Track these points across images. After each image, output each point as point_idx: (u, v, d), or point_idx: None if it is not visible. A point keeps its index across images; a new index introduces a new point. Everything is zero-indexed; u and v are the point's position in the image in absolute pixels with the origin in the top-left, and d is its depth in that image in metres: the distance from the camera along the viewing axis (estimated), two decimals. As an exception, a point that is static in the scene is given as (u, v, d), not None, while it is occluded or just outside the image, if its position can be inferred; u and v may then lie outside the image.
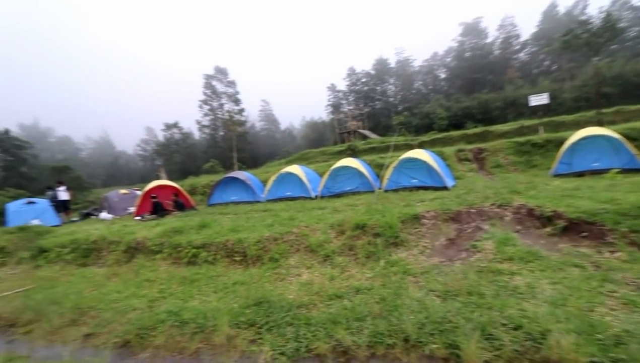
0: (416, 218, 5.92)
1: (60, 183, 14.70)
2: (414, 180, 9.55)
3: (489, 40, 51.28)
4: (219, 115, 56.29)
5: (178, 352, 3.25)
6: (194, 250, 6.22)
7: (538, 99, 19.90)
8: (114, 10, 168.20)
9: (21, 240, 9.01)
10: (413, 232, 5.64)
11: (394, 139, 18.18)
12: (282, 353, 2.97)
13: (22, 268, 7.84)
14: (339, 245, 5.50)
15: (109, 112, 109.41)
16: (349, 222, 5.93)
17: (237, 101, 57.16)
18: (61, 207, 13.82)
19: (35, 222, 11.73)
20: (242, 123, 53.99)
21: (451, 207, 6.25)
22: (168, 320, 3.77)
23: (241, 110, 56.59)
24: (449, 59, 55.14)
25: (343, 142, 34.34)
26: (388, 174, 10.01)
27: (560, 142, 11.85)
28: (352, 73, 58.38)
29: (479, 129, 24.45)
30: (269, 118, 74.79)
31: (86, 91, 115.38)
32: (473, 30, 51.30)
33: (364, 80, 57.80)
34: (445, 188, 9.01)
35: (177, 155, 56.93)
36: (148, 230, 7.68)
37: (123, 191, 15.50)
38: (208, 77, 56.44)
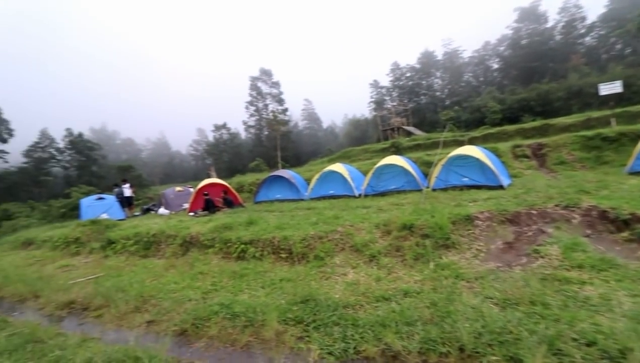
0: (468, 219, 5.58)
1: (125, 181, 16.20)
2: (465, 179, 9.02)
3: (549, 24, 46.73)
4: (263, 116, 58.19)
5: (230, 343, 3.38)
6: (243, 246, 6.47)
7: (610, 88, 17.66)
8: (167, 26, 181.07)
9: (93, 232, 10.08)
10: (465, 234, 5.32)
11: (443, 135, 17.31)
12: (330, 353, 2.96)
13: (93, 257, 8.76)
14: (385, 245, 5.36)
15: (165, 116, 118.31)
16: (395, 222, 5.76)
17: (281, 101, 58.68)
18: (126, 202, 15.22)
19: (104, 216, 13.05)
20: (285, 122, 55.25)
21: (508, 207, 5.79)
22: (220, 312, 3.95)
23: (285, 110, 57.99)
24: (502, 48, 51.27)
25: (386, 139, 33.63)
26: (436, 172, 9.57)
27: (637, 136, 10.46)
28: (395, 68, 56.89)
29: (538, 123, 22.39)
30: (312, 117, 75.69)
31: (145, 99, 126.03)
32: (530, 15, 47.06)
33: (408, 75, 56.04)
34: (500, 187, 8.39)
35: (225, 155, 59.92)
36: (201, 225, 8.15)
37: (178, 188, 16.63)
38: (254, 79, 58.60)
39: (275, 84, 59.02)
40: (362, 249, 5.36)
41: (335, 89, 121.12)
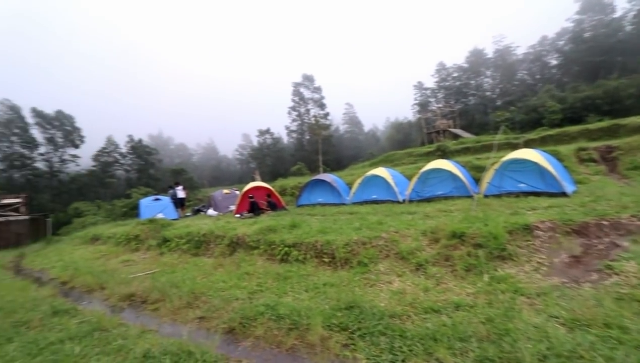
0: (527, 229, 5.13)
1: (178, 183, 17.35)
2: (522, 185, 8.35)
3: (616, 14, 41.96)
4: (305, 120, 59.20)
5: (276, 345, 3.42)
6: (286, 249, 6.57)
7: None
8: (214, 38, 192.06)
9: (150, 230, 10.88)
10: (523, 245, 4.89)
11: (496, 138, 16.25)
12: (376, 364, 2.86)
13: (150, 254, 9.45)
14: (432, 254, 5.12)
15: (214, 122, 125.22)
16: (443, 230, 5.48)
17: (322, 106, 59.36)
18: (179, 203, 16.27)
19: (160, 215, 14.05)
20: (327, 127, 55.72)
21: (574, 217, 5.24)
22: (266, 313, 4.03)
23: (326, 115, 58.55)
24: (562, 42, 46.96)
25: (431, 142, 32.41)
26: (488, 177, 8.99)
27: None
28: (441, 68, 54.84)
29: (606, 123, 20.09)
30: (353, 120, 75.48)
31: (197, 107, 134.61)
32: (595, 5, 42.63)
33: (455, 75, 53.69)
34: (563, 194, 7.64)
35: (268, 159, 61.84)
36: (247, 227, 8.44)
37: (225, 191, 17.44)
38: (296, 85, 59.97)
39: (317, 89, 59.86)
40: (408, 257, 5.17)
41: (377, 92, 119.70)
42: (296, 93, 59.82)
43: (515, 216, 5.78)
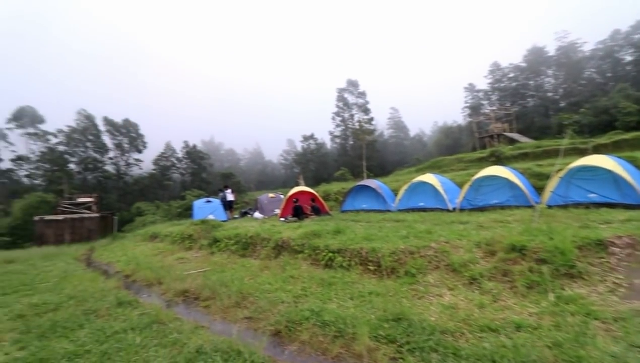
0: (601, 244, 4.57)
1: (227, 187, 18.26)
2: (592, 195, 7.49)
3: None
4: (349, 126, 59.18)
5: (321, 352, 3.40)
6: (330, 254, 6.54)
7: None
8: (254, 45, 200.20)
9: (202, 230, 11.53)
10: (596, 263, 4.36)
11: (563, 142, 14.84)
12: (428, 382, 2.71)
13: (201, 252, 10.00)
14: (488, 267, 4.76)
15: (260, 128, 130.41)
16: (501, 242, 5.07)
17: (366, 111, 58.99)
18: (227, 205, 17.10)
19: (211, 216, 14.85)
20: (371, 132, 55.14)
21: (659, 233, 4.56)
22: (311, 318, 4.02)
23: (370, 120, 58.01)
24: (638, 36, 41.82)
25: (484, 147, 30.53)
26: (552, 185, 8.18)
27: None
28: (495, 69, 51.71)
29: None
30: (398, 125, 73.91)
31: (244, 112, 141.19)
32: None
33: (511, 75, 50.27)
34: (644, 206, 6.71)
35: (312, 164, 62.66)
36: (291, 231, 8.57)
37: (271, 195, 17.95)
38: (340, 91, 60.35)
39: (362, 94, 59.67)
40: (460, 269, 4.86)
41: (424, 95, 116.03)
42: (340, 98, 60.16)
43: (585, 230, 5.18)
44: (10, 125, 48.60)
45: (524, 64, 49.27)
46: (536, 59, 48.25)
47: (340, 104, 60.17)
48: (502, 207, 8.80)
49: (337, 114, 60.63)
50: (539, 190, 9.64)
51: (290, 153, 78.27)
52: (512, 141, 29.06)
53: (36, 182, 47.48)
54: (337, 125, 61.12)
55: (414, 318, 3.72)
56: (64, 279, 8.09)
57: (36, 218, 24.41)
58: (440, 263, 5.16)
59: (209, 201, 17.63)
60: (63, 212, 25.83)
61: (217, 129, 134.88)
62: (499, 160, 19.46)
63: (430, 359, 2.98)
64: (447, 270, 5.01)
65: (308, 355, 3.38)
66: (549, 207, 7.81)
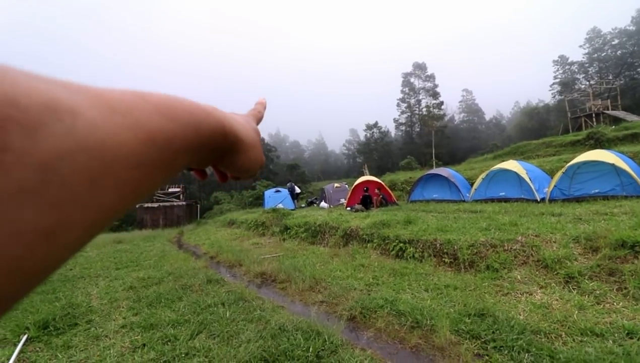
0: None
1: (290, 181, 19.31)
2: None
3: None
4: (415, 112, 56.52)
5: (399, 340, 3.37)
6: (401, 245, 6.41)
7: None
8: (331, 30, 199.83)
9: (274, 218, 12.23)
10: None
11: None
12: (520, 383, 2.51)
13: (273, 239, 10.63)
14: (589, 265, 4.17)
15: (323, 119, 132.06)
16: (606, 237, 4.40)
17: (435, 95, 55.58)
18: (295, 196, 17.94)
19: (280, 205, 15.66)
20: (440, 117, 51.92)
21: None
22: (385, 306, 4.01)
23: (439, 104, 54.61)
24: None
25: (579, 129, 26.50)
26: (675, 172, 6.79)
27: None
28: (595, 36, 44.14)
29: None
30: (471, 108, 68.24)
31: (306, 105, 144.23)
32: None
33: (615, 42, 42.43)
34: None
35: (375, 153, 61.61)
36: (360, 220, 8.59)
37: (336, 185, 18.21)
38: (406, 75, 57.74)
39: (430, 78, 56.29)
40: (554, 266, 4.35)
41: (503, 74, 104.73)
42: (406, 83, 57.62)
43: None
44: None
45: (632, 27, 41.06)
46: (651, 20, 39.88)
47: (406, 90, 57.64)
48: (606, 198, 7.58)
49: (402, 100, 58.29)
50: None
51: (353, 143, 78.01)
52: (616, 120, 24.62)
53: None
54: (402, 112, 58.83)
55: (500, 315, 3.47)
56: (162, 258, 9.33)
57: (137, 205, 28.58)
58: (529, 259, 4.68)
59: (278, 191, 18.61)
60: (158, 201, 29.74)
61: (282, 121, 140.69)
62: (598, 143, 16.69)
63: (521, 359, 2.76)
64: (538, 266, 4.53)
65: (385, 342, 3.38)
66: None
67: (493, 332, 3.19)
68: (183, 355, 3.22)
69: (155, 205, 28.37)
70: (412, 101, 57.30)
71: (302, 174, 49.86)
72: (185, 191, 33.12)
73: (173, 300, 5.11)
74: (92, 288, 6.30)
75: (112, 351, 3.46)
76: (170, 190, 32.08)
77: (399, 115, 59.37)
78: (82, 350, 3.58)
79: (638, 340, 2.83)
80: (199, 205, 32.52)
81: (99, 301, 5.42)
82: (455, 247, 5.49)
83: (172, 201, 29.63)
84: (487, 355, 2.92)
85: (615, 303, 3.53)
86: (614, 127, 20.35)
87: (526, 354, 2.82)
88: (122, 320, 4.45)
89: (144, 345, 3.53)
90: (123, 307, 5.02)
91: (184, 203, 29.42)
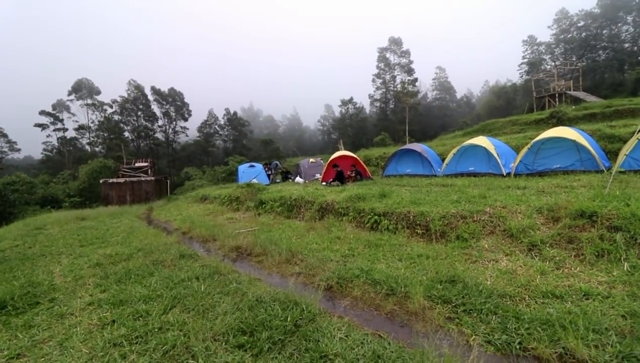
0: (691, 212, 4.04)
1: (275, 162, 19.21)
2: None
3: None
4: (390, 88, 56.55)
5: (374, 307, 3.48)
6: (376, 217, 6.54)
7: None
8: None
9: (248, 193, 12.03)
10: (684, 232, 3.89)
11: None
12: (488, 342, 2.67)
13: (249, 214, 10.49)
14: (550, 234, 4.45)
15: (297, 93, 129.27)
16: (566, 208, 4.69)
17: (410, 71, 55.71)
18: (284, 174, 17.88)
19: (254, 180, 15.41)
20: (414, 93, 52.34)
21: None
22: (361, 276, 4.11)
23: (414, 80, 54.91)
24: None
25: (543, 108, 27.75)
26: (628, 148, 7.29)
27: None
28: (562, 17, 45.38)
29: None
30: (443, 86, 69.22)
31: (280, 77, 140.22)
32: None
33: (581, 23, 43.90)
34: None
35: (350, 129, 61.62)
36: (335, 194, 8.63)
37: (312, 160, 18.12)
38: (382, 50, 57.08)
39: (405, 53, 56.08)
40: (518, 235, 4.61)
41: (474, 52, 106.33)
42: (381, 59, 57.06)
43: (670, 196, 4.60)
44: (71, 97, 52.90)
45: (597, 10, 42.65)
46: (613, 3, 41.43)
47: (382, 65, 57.17)
48: (566, 172, 8.07)
49: (377, 75, 57.90)
50: (610, 154, 8.67)
51: (328, 118, 77.34)
52: (576, 101, 26.00)
53: (97, 149, 52.12)
54: (377, 88, 58.64)
55: (469, 281, 3.64)
56: (130, 234, 8.97)
57: (101, 181, 27.03)
58: (496, 229, 4.93)
59: (252, 166, 18.24)
60: (123, 176, 28.30)
61: (256, 95, 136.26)
62: (560, 121, 17.62)
63: (489, 321, 2.93)
64: (504, 235, 4.78)
65: (361, 310, 3.48)
66: (623, 172, 7.02)
67: (463, 297, 3.36)
68: (156, 330, 3.14)
69: (121, 180, 27.00)
70: (387, 77, 57.11)
71: (277, 149, 49.11)
72: (153, 166, 31.70)
73: (144, 275, 4.93)
74: (54, 266, 5.96)
75: (78, 329, 3.31)
76: (137, 164, 30.57)
77: (374, 91, 59.22)
78: (45, 330, 3.39)
79: (593, 300, 3.08)
80: (168, 181, 31.34)
81: (63, 279, 5.14)
82: (428, 219, 5.66)
83: (140, 176, 28.31)
84: (458, 318, 3.08)
85: (573, 268, 3.81)
86: (574, 107, 21.50)
87: (494, 316, 3.00)
88: (88, 297, 4.25)
89: (114, 321, 3.40)
90: (89, 284, 4.79)
91: (152, 178, 28.20)
